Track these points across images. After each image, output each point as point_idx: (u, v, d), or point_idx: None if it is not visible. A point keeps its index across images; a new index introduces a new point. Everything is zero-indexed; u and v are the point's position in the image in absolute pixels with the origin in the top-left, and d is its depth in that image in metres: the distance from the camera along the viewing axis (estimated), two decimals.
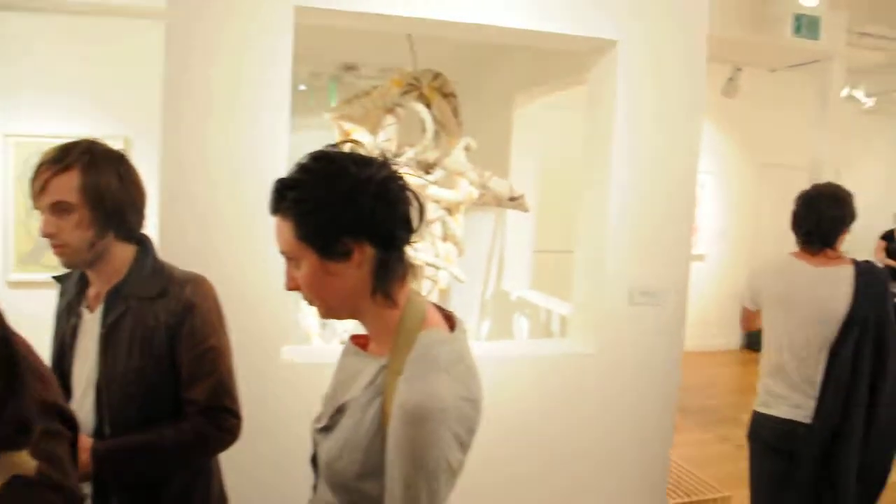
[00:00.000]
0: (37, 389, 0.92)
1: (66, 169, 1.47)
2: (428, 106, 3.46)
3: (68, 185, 1.47)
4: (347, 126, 3.40)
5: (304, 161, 1.17)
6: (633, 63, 2.77)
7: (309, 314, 3.49)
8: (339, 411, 1.21)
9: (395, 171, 1.18)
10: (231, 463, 1.78)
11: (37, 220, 1.52)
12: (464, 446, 1.12)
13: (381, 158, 1.19)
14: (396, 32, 3.12)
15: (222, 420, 1.58)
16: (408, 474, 1.06)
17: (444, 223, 3.54)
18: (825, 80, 5.35)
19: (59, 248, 1.51)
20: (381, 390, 1.14)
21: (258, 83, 2.36)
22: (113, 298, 1.56)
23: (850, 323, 2.42)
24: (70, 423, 1.00)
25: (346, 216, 1.12)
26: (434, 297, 3.55)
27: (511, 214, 4.83)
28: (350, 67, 5.95)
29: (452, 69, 4.15)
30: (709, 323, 7.70)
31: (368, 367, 1.20)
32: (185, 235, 2.30)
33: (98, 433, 1.53)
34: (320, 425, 1.25)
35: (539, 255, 5.24)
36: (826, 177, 5.01)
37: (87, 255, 1.53)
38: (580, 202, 3.01)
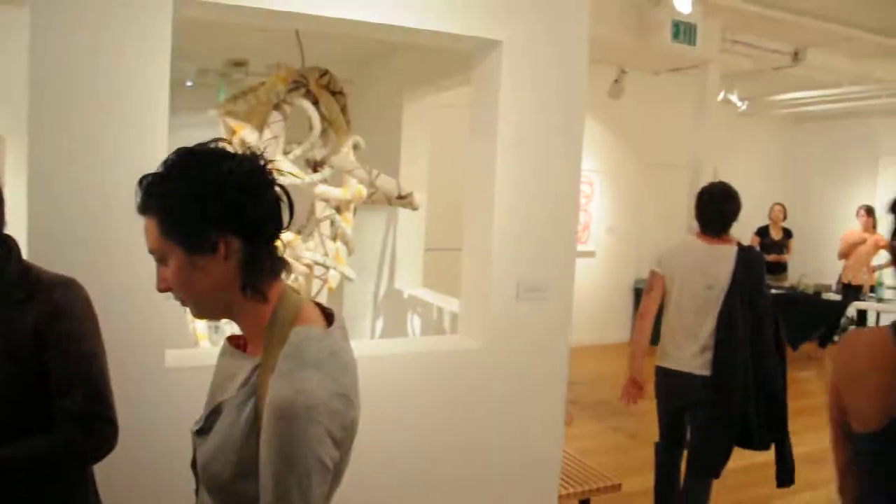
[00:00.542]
0: None
1: None
2: (315, 103, 3.41)
3: None
4: (233, 123, 3.30)
5: (167, 157, 1.16)
6: (516, 63, 2.81)
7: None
8: (215, 412, 1.20)
9: (261, 164, 1.19)
10: (110, 472, 1.69)
11: None
12: (339, 443, 1.11)
13: (248, 153, 1.19)
14: (285, 29, 3.04)
15: (97, 428, 1.49)
16: (278, 472, 1.06)
17: (333, 222, 3.50)
18: (702, 84, 5.65)
19: None
20: (256, 389, 1.13)
21: (133, 76, 2.21)
22: None
23: (732, 289, 3.06)
24: None
25: (210, 209, 1.11)
26: (324, 297, 3.50)
27: (402, 213, 4.84)
28: (239, 64, 5.80)
29: (343, 67, 4.11)
30: (599, 318, 7.98)
31: (244, 366, 1.19)
32: (54, 237, 2.15)
33: None
34: (197, 427, 1.23)
35: (430, 253, 5.28)
36: (705, 175, 5.29)
37: None
38: (467, 200, 3.04)
